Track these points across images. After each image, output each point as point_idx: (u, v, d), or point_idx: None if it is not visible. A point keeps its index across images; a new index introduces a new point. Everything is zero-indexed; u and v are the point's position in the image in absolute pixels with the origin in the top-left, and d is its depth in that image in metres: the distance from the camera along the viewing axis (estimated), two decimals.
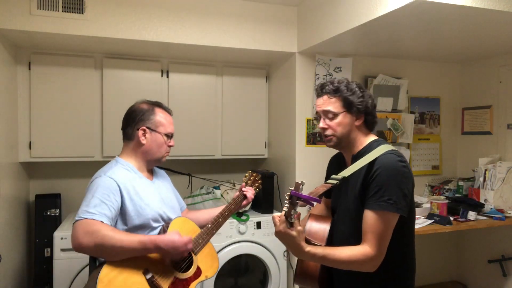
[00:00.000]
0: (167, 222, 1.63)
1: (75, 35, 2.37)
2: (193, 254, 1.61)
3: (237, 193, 1.91)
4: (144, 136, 1.63)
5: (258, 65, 3.28)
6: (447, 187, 3.23)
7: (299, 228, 1.28)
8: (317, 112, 1.56)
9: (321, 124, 1.51)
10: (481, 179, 2.97)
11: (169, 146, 1.70)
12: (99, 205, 1.44)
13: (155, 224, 1.59)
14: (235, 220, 2.76)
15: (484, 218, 2.75)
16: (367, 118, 1.52)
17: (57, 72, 2.73)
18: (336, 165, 1.71)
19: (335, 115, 1.48)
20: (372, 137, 1.54)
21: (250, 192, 1.92)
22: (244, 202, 1.90)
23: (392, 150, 1.42)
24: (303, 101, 2.86)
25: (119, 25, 2.44)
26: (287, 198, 1.22)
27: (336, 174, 1.60)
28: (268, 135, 3.33)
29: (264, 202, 2.96)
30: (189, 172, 3.35)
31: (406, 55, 3.12)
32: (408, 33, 2.41)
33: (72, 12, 2.34)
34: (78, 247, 1.39)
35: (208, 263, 1.66)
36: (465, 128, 3.41)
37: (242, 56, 2.98)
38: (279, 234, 1.28)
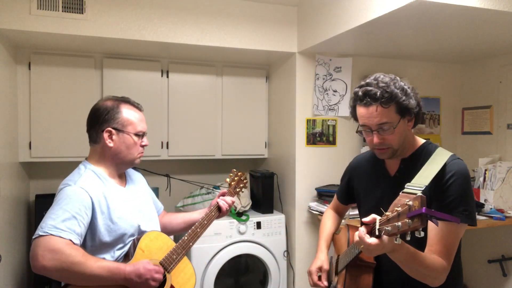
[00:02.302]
0: (139, 235, 1.48)
1: (75, 35, 2.37)
2: (166, 272, 1.45)
3: (216, 199, 1.74)
4: (111, 138, 1.44)
5: (258, 65, 3.28)
6: None
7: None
8: (365, 125, 1.31)
9: (376, 139, 1.29)
10: (481, 179, 2.97)
11: (142, 146, 1.52)
12: (68, 220, 1.27)
13: (126, 240, 1.44)
14: (235, 220, 2.76)
15: (484, 218, 2.74)
16: (417, 117, 1.35)
17: (57, 72, 2.73)
18: (369, 169, 1.53)
19: (392, 126, 1.27)
20: (421, 138, 1.42)
21: (225, 203, 1.72)
22: (220, 214, 1.73)
23: (455, 154, 1.32)
24: (303, 101, 2.86)
25: (119, 25, 2.44)
26: (400, 213, 0.99)
27: (370, 180, 1.48)
28: (268, 135, 3.33)
29: (264, 202, 2.96)
30: (189, 172, 3.37)
31: (406, 55, 3.12)
32: (408, 33, 2.41)
33: (72, 12, 2.34)
34: (40, 269, 1.23)
35: (183, 280, 1.51)
36: (465, 128, 3.41)
37: (242, 56, 2.98)
38: (370, 247, 1.06)
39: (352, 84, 3.00)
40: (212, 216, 1.68)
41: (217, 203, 1.71)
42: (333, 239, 1.69)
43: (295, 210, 2.87)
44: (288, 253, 2.94)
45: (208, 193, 2.91)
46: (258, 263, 2.87)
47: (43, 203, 2.73)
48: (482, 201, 2.91)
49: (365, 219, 1.09)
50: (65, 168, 3.03)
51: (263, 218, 2.86)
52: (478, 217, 2.74)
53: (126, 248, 1.45)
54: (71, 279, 1.27)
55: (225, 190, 1.82)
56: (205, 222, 1.64)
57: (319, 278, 1.55)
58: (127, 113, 1.48)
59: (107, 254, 1.40)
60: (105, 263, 1.32)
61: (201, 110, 3.09)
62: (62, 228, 1.25)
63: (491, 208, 2.81)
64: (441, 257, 1.21)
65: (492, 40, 2.58)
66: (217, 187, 2.97)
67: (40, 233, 1.25)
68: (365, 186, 1.54)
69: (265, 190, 2.97)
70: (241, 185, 1.90)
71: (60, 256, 1.22)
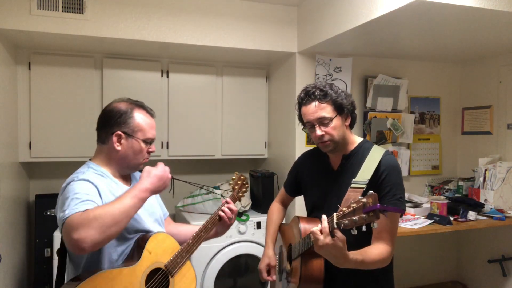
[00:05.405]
0: (144, 234, 1.47)
1: (75, 35, 2.37)
2: (169, 277, 1.44)
3: (220, 208, 1.69)
4: (119, 142, 1.43)
5: (258, 65, 3.28)
6: (447, 187, 3.23)
7: (343, 237, 1.20)
8: (308, 121, 1.52)
9: (318, 131, 1.49)
10: (481, 179, 2.97)
11: (149, 153, 1.51)
12: (81, 201, 1.26)
13: (129, 235, 1.42)
14: (235, 220, 2.76)
15: (484, 218, 2.75)
16: (352, 116, 1.57)
17: (57, 72, 2.73)
18: (315, 164, 1.69)
19: (330, 120, 1.48)
20: (358, 137, 1.61)
21: (224, 213, 1.67)
22: (223, 222, 1.67)
23: (388, 151, 1.53)
24: None
25: (119, 25, 2.44)
26: (355, 208, 1.14)
27: (316, 174, 1.66)
28: (268, 135, 3.33)
29: (264, 202, 2.95)
30: (189, 172, 3.37)
31: (406, 55, 3.12)
32: (408, 33, 2.41)
33: (72, 12, 2.34)
34: (90, 246, 1.18)
35: (185, 285, 1.50)
36: (465, 128, 3.41)
37: (242, 56, 2.98)
38: (326, 247, 1.20)
39: (352, 84, 3.00)
40: (216, 220, 1.66)
41: (219, 214, 1.67)
42: (281, 230, 1.86)
43: (295, 210, 2.87)
44: None
45: (208, 193, 2.91)
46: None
47: (43, 203, 2.73)
48: (482, 201, 2.91)
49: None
50: (65, 168, 3.04)
51: (263, 218, 2.85)
52: (478, 217, 2.74)
53: (129, 245, 1.44)
54: (112, 230, 1.22)
55: (227, 198, 1.77)
56: (209, 226, 1.64)
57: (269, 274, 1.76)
58: (139, 118, 1.46)
59: (111, 248, 1.38)
60: (123, 196, 1.30)
61: (201, 110, 3.09)
62: (76, 207, 1.23)
63: (491, 208, 2.82)
64: (386, 243, 1.40)
65: (492, 40, 2.58)
66: (217, 187, 2.97)
67: (61, 223, 1.22)
68: (311, 179, 1.71)
69: (265, 190, 2.97)
70: (243, 190, 1.90)
71: (89, 221, 1.18)
